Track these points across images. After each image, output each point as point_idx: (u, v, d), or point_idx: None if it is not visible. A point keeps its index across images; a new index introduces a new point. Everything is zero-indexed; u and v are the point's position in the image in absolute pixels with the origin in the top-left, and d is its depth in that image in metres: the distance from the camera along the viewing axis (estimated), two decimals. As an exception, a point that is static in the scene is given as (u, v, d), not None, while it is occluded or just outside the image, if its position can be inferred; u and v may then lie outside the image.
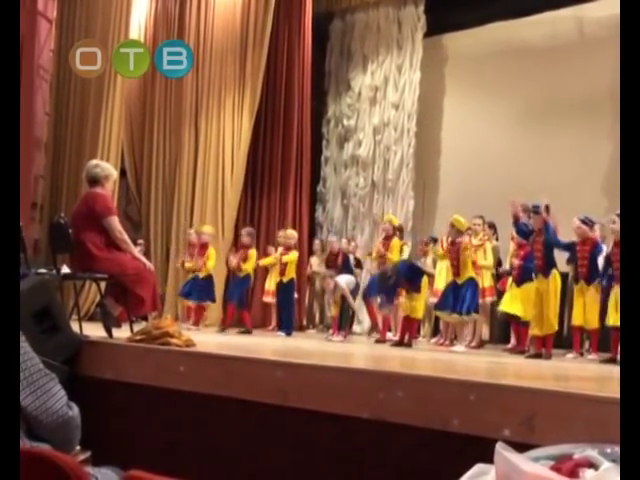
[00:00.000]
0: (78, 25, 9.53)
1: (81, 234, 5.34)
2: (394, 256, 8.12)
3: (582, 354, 7.30)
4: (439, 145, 11.58)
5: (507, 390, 3.22)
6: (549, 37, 10.37)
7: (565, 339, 7.71)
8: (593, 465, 1.93)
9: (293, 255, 8.97)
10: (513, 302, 7.55)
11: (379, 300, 8.93)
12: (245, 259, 9.26)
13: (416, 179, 11.37)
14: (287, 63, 11.26)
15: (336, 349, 6.68)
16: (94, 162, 5.88)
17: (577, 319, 7.14)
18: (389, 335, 8.63)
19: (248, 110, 10.52)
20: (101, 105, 9.29)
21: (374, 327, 9.46)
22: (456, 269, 7.24)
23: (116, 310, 5.55)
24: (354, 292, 8.82)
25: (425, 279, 8.06)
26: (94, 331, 5.47)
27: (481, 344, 8.14)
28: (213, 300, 9.56)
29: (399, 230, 8.66)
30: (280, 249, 9.30)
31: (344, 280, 8.42)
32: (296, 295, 9.54)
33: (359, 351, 7.16)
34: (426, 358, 6.15)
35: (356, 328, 10.74)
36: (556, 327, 6.84)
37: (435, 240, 9.33)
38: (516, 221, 7.09)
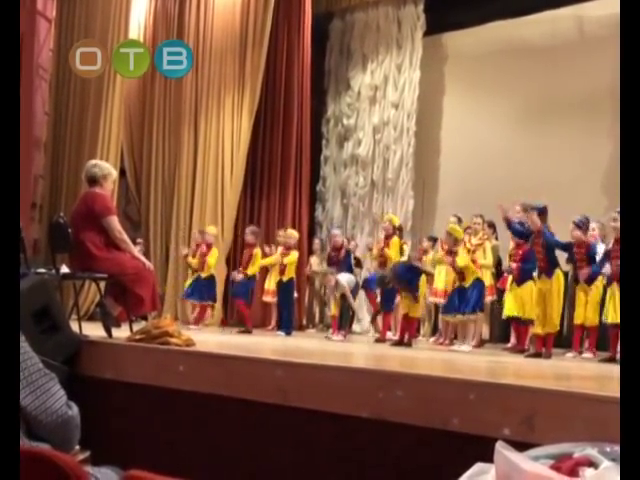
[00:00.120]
0: (77, 25, 9.52)
1: (80, 234, 5.34)
2: (394, 255, 8.13)
3: (581, 353, 7.31)
4: (439, 144, 11.58)
5: (507, 389, 3.22)
6: (549, 36, 10.37)
7: (564, 338, 7.71)
8: (593, 464, 1.94)
9: (293, 256, 8.97)
10: (515, 304, 7.53)
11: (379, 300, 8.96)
12: (249, 260, 9.26)
13: (416, 178, 11.37)
14: (287, 63, 11.25)
15: (336, 348, 6.68)
16: (93, 162, 5.88)
17: (579, 318, 7.14)
18: (389, 335, 8.63)
19: (248, 110, 10.51)
20: (101, 105, 9.28)
21: (375, 316, 9.43)
22: (460, 275, 7.25)
23: (115, 310, 5.55)
24: (354, 292, 8.81)
25: (424, 278, 8.06)
26: (94, 331, 5.47)
27: (481, 343, 8.14)
28: (214, 300, 9.57)
29: (399, 230, 8.66)
30: (280, 248, 9.31)
31: (345, 279, 8.41)
32: (296, 294, 9.54)
33: (359, 350, 7.16)
34: (426, 357, 6.15)
35: (356, 327, 10.74)
36: (558, 327, 6.85)
37: (435, 240, 9.34)
38: (508, 224, 7.13)
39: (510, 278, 7.84)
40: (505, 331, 8.72)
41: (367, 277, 9.08)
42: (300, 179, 11.26)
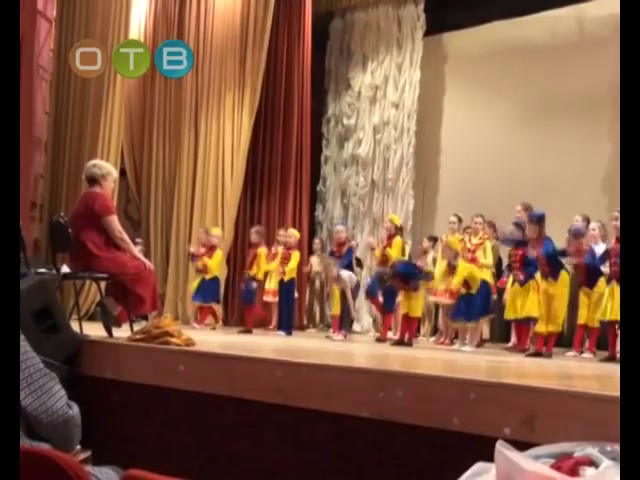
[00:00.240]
0: (78, 25, 9.51)
1: (81, 234, 5.35)
2: (396, 255, 8.13)
3: (582, 352, 7.31)
4: (439, 144, 11.58)
5: (507, 389, 3.23)
6: (549, 36, 10.37)
7: (564, 338, 7.71)
8: (593, 463, 1.94)
9: (294, 262, 9.00)
10: (516, 305, 7.49)
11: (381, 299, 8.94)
12: (254, 260, 9.25)
13: (416, 178, 11.37)
14: (287, 62, 11.25)
15: (336, 348, 6.68)
16: (92, 162, 5.89)
17: (582, 318, 7.16)
18: (389, 334, 8.63)
19: (248, 109, 10.51)
20: (101, 105, 9.28)
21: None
22: (465, 283, 7.25)
23: (116, 309, 5.55)
24: (354, 291, 8.81)
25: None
26: (94, 330, 5.47)
27: (481, 343, 8.14)
28: (217, 301, 9.60)
29: (399, 230, 8.65)
30: (280, 248, 9.32)
31: (346, 275, 8.39)
32: (296, 294, 9.54)
33: (359, 350, 7.16)
34: (426, 357, 6.15)
35: (356, 327, 10.75)
36: (561, 327, 6.85)
37: (435, 239, 9.34)
38: (503, 241, 7.40)
39: (510, 279, 7.81)
40: (505, 331, 8.71)
41: (369, 284, 9.00)
42: (300, 179, 11.25)
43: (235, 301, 10.59)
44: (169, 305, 10.10)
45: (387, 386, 3.48)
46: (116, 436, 4.39)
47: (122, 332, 5.38)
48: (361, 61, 12.04)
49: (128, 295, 5.41)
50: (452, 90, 11.56)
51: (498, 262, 8.55)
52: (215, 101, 10.53)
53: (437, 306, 9.01)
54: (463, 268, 7.21)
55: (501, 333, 9.00)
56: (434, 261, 8.99)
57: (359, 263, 9.95)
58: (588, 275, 7.04)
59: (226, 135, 10.51)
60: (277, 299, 9.25)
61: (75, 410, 2.46)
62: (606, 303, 6.72)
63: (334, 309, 8.88)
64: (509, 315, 7.64)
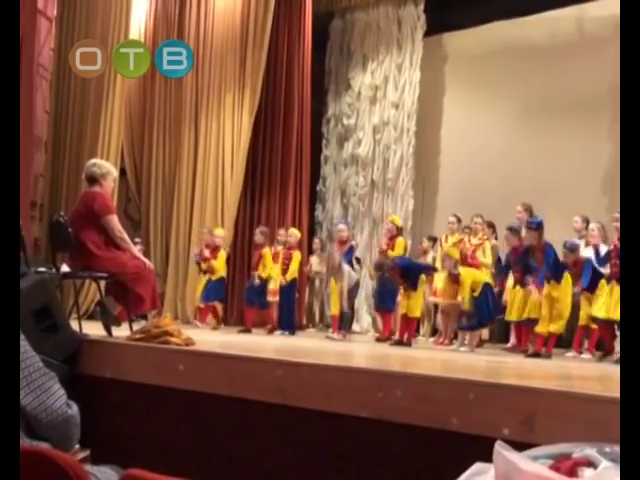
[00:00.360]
0: (78, 24, 9.52)
1: (80, 233, 5.35)
2: (398, 254, 8.14)
3: (581, 353, 7.32)
4: (439, 144, 11.57)
5: (506, 389, 3.23)
6: (549, 37, 10.37)
7: (563, 339, 7.71)
8: (592, 464, 1.94)
9: (295, 263, 9.01)
10: (517, 307, 7.49)
11: (377, 301, 8.93)
12: (259, 261, 9.27)
13: (416, 178, 11.36)
14: (287, 62, 11.24)
15: (336, 348, 6.68)
16: (92, 161, 5.90)
17: (582, 319, 7.16)
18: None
19: (248, 109, 10.51)
20: (101, 104, 9.28)
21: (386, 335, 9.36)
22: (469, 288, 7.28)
23: (116, 309, 5.55)
24: (354, 289, 8.82)
25: (423, 277, 8.05)
26: (94, 330, 5.47)
27: (480, 343, 8.14)
28: (220, 300, 9.64)
29: (400, 230, 8.66)
30: (280, 247, 9.34)
31: (347, 268, 8.40)
32: (297, 294, 9.56)
33: (359, 350, 7.16)
34: (426, 357, 6.15)
35: (355, 327, 10.74)
36: (563, 329, 6.85)
37: (435, 239, 9.34)
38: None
39: (511, 281, 7.78)
40: (505, 331, 8.71)
41: (381, 294, 8.95)
42: (300, 179, 11.25)
43: (235, 301, 10.59)
44: (169, 304, 10.11)
45: (386, 386, 3.48)
46: (115, 435, 4.39)
47: (122, 331, 5.38)
48: (361, 61, 12.03)
49: (128, 294, 5.42)
50: (452, 90, 11.56)
51: (497, 262, 8.54)
52: (215, 101, 10.54)
53: (436, 306, 9.01)
54: (467, 277, 7.21)
55: (500, 334, 9.00)
56: (434, 261, 8.99)
57: (358, 262, 9.95)
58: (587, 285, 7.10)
59: (226, 135, 10.52)
60: (277, 299, 9.26)
61: (74, 409, 2.46)
62: (603, 301, 6.71)
63: (333, 309, 8.88)
64: (510, 317, 7.63)
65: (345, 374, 3.73)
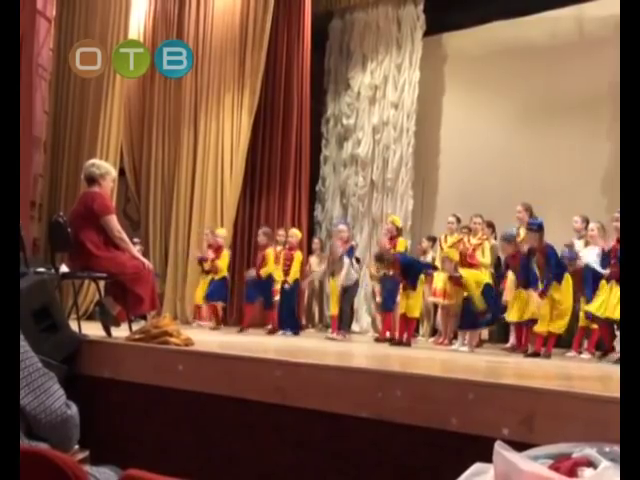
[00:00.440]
0: (77, 24, 9.51)
1: (80, 233, 5.35)
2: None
3: (580, 353, 7.33)
4: (438, 144, 11.58)
5: (506, 389, 3.23)
6: (549, 37, 10.37)
7: (563, 339, 7.72)
8: (592, 464, 1.93)
9: (297, 264, 9.03)
10: (518, 309, 7.48)
11: (378, 299, 8.93)
12: (262, 261, 9.28)
13: (415, 178, 11.37)
14: (286, 62, 11.25)
15: (335, 348, 6.69)
16: (91, 161, 5.89)
17: (582, 319, 7.16)
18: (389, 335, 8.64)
19: (247, 109, 10.51)
20: (100, 104, 9.28)
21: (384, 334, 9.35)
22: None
23: (115, 309, 5.55)
24: (353, 289, 8.83)
25: (422, 277, 8.06)
26: (93, 330, 5.47)
27: (480, 343, 8.14)
28: (224, 300, 9.66)
29: (400, 231, 8.67)
30: (279, 248, 9.34)
31: (348, 261, 8.41)
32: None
33: (358, 350, 7.16)
34: (425, 357, 6.15)
35: (355, 327, 10.74)
36: (563, 330, 6.85)
37: (434, 239, 9.34)
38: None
39: (512, 283, 7.77)
40: (504, 331, 8.71)
41: (384, 295, 8.89)
42: (300, 179, 11.26)
43: (235, 301, 10.59)
44: (168, 305, 10.11)
45: (386, 386, 3.48)
46: (115, 436, 4.39)
47: (121, 332, 5.38)
48: (360, 61, 12.03)
49: (127, 295, 5.41)
50: (452, 90, 11.56)
51: (497, 262, 8.54)
52: (214, 101, 10.54)
53: (436, 306, 9.01)
54: (470, 278, 7.23)
55: (500, 334, 9.00)
56: (433, 261, 8.99)
57: (359, 263, 9.94)
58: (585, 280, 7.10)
59: (225, 135, 10.52)
60: (277, 298, 9.27)
61: (74, 410, 2.46)
62: (602, 300, 6.71)
63: (332, 309, 8.89)
64: (511, 317, 7.63)
65: (345, 374, 3.73)
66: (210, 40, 10.63)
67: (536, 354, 6.75)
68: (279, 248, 9.39)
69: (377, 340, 8.37)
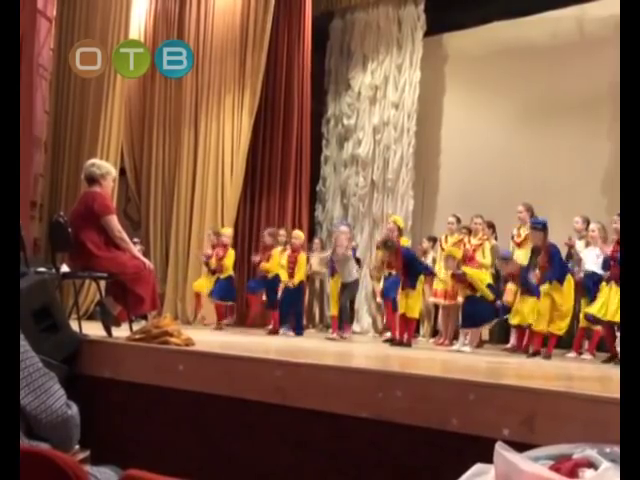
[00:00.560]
0: (78, 24, 9.51)
1: (80, 233, 5.35)
2: None
3: (581, 354, 7.33)
4: (439, 144, 11.57)
5: (507, 390, 3.23)
6: (549, 37, 10.37)
7: (564, 339, 7.72)
8: (592, 465, 1.93)
9: (303, 266, 9.06)
10: (523, 313, 7.47)
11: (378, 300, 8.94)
12: (268, 262, 9.29)
13: (416, 178, 11.36)
14: (287, 62, 11.24)
15: (335, 348, 6.69)
16: (91, 161, 5.89)
17: (583, 320, 7.16)
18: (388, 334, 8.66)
19: (248, 109, 10.51)
20: (101, 104, 9.28)
21: (387, 327, 9.39)
22: (472, 288, 7.27)
23: (115, 309, 5.55)
24: (354, 287, 8.84)
25: (422, 278, 8.04)
26: (93, 330, 5.47)
27: (481, 344, 8.15)
28: (234, 300, 9.68)
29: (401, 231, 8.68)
30: (280, 248, 9.36)
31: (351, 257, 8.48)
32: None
33: (359, 350, 7.17)
34: (426, 357, 6.15)
35: (355, 327, 10.74)
36: (563, 331, 6.85)
37: (435, 240, 9.34)
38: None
39: (516, 289, 7.78)
40: (505, 332, 8.71)
41: (385, 285, 8.95)
42: (300, 179, 11.25)
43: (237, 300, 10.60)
44: (168, 305, 10.11)
45: (386, 386, 3.48)
46: (115, 436, 4.39)
47: (121, 332, 5.38)
48: (361, 61, 12.03)
49: (127, 295, 5.41)
50: (452, 90, 11.56)
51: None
52: (215, 101, 10.54)
53: (437, 307, 9.01)
54: (474, 274, 7.25)
55: (500, 334, 9.01)
56: (434, 261, 9.00)
57: (359, 263, 9.95)
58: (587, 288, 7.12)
59: (226, 135, 10.52)
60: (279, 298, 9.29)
61: (74, 410, 2.46)
62: (602, 302, 6.71)
63: (333, 309, 8.90)
64: (515, 321, 7.65)
65: (345, 374, 3.73)
66: (210, 40, 10.63)
67: (536, 353, 6.76)
68: (280, 248, 9.40)
69: (387, 341, 8.33)
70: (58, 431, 2.39)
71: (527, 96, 10.45)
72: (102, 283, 5.83)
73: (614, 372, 4.71)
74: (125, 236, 5.53)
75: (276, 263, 9.20)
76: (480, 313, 7.21)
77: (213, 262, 9.46)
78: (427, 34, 11.42)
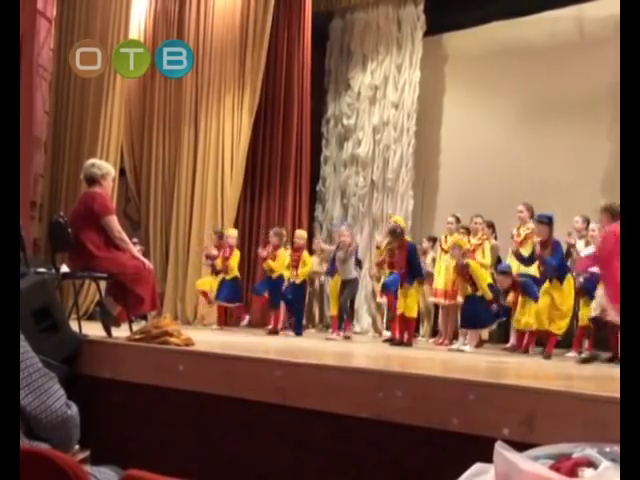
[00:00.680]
0: (78, 24, 9.52)
1: (80, 233, 5.35)
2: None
3: (580, 353, 7.32)
4: (439, 144, 11.58)
5: (506, 389, 3.23)
6: (549, 37, 10.37)
7: (564, 338, 7.72)
8: (592, 464, 1.93)
9: (308, 265, 9.11)
10: (528, 316, 7.48)
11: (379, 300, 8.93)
12: (275, 260, 9.29)
13: (416, 178, 11.37)
14: (287, 62, 11.25)
15: (336, 348, 6.69)
16: (91, 161, 5.87)
17: (583, 319, 7.17)
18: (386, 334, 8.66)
19: (248, 109, 10.52)
20: (101, 104, 9.28)
21: (390, 324, 9.41)
22: (473, 285, 7.27)
23: (115, 309, 5.55)
24: (354, 287, 8.84)
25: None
26: (93, 330, 5.47)
27: (480, 343, 8.14)
28: (240, 301, 9.68)
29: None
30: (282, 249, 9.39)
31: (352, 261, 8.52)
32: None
33: (359, 350, 7.17)
34: (425, 357, 6.15)
35: (356, 327, 10.74)
36: (562, 331, 6.84)
37: (435, 240, 9.34)
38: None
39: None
40: (505, 331, 8.72)
41: (386, 280, 8.97)
42: (300, 179, 11.26)
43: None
44: (168, 305, 10.11)
45: (386, 386, 3.48)
46: (115, 436, 4.38)
47: (121, 332, 5.38)
48: (361, 61, 12.03)
49: (127, 295, 5.41)
50: (452, 90, 11.56)
51: (497, 262, 8.54)
52: (215, 101, 10.54)
53: (437, 307, 9.01)
54: (476, 268, 7.26)
55: (500, 334, 9.01)
56: (433, 261, 9.00)
57: (358, 263, 9.95)
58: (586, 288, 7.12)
59: (226, 135, 10.52)
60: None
61: (74, 410, 2.46)
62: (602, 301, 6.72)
63: (332, 309, 8.90)
64: (519, 326, 7.65)
65: (345, 374, 3.73)
66: (210, 40, 10.63)
67: (526, 351, 6.81)
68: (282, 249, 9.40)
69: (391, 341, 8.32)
70: (58, 431, 2.39)
71: (526, 96, 10.45)
72: (102, 283, 5.82)
73: (614, 372, 4.70)
74: (125, 236, 5.53)
75: (281, 263, 9.21)
76: (480, 316, 7.21)
77: (219, 263, 9.45)
78: (427, 34, 11.43)
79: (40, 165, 9.82)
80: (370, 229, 11.68)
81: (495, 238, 8.74)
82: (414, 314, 7.83)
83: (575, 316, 7.23)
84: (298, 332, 8.87)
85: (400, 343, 7.57)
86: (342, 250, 8.56)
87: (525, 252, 7.57)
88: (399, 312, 7.75)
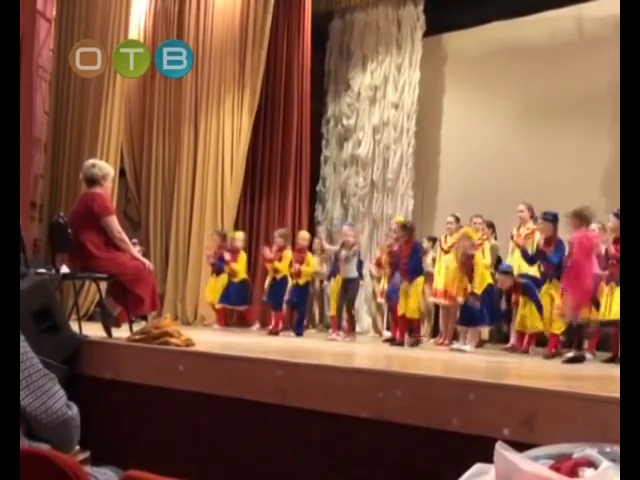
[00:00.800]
0: (77, 24, 9.51)
1: (80, 234, 5.35)
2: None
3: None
4: (439, 144, 11.58)
5: (507, 389, 3.23)
6: (549, 37, 10.37)
7: (564, 339, 7.72)
8: (593, 464, 1.93)
9: (312, 266, 9.12)
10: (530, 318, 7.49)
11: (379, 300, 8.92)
12: (280, 260, 9.29)
13: (416, 178, 11.36)
14: (286, 63, 11.24)
15: (335, 348, 6.69)
16: (91, 162, 5.87)
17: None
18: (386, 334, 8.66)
19: (247, 110, 10.51)
20: (100, 104, 9.28)
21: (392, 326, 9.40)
22: (471, 281, 7.28)
23: (115, 310, 5.55)
24: (354, 289, 8.83)
25: (422, 279, 8.03)
26: (93, 331, 5.47)
27: (480, 343, 8.14)
28: (248, 303, 9.70)
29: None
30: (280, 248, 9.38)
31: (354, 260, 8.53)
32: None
33: (359, 350, 7.16)
34: (426, 357, 6.15)
35: (356, 327, 10.73)
36: (562, 330, 6.84)
37: (435, 240, 9.33)
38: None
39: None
40: (505, 331, 8.71)
41: (387, 292, 8.77)
42: (300, 179, 11.25)
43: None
44: (168, 305, 10.10)
45: (386, 386, 3.48)
46: (115, 436, 4.39)
47: (121, 332, 5.38)
48: (361, 61, 12.03)
49: (127, 295, 5.42)
50: (452, 90, 11.56)
51: (497, 262, 8.54)
52: (215, 101, 10.53)
53: (437, 307, 9.00)
54: (479, 262, 7.27)
55: (500, 334, 9.01)
56: (433, 261, 8.99)
57: (360, 265, 9.94)
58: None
59: (226, 135, 10.52)
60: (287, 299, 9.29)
61: (74, 410, 2.46)
62: (604, 304, 6.71)
63: (333, 310, 8.89)
64: (518, 327, 7.65)
65: (345, 374, 3.73)
66: (210, 40, 10.62)
67: (525, 351, 6.81)
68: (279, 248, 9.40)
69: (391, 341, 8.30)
70: (58, 432, 2.39)
71: (526, 96, 10.45)
72: (102, 284, 5.82)
73: (614, 372, 4.70)
74: (125, 237, 5.53)
75: (286, 265, 9.21)
76: (478, 314, 7.20)
77: (230, 267, 9.43)
78: (426, 34, 11.42)
79: (40, 165, 9.81)
80: (370, 229, 11.67)
81: (495, 238, 8.73)
82: (416, 315, 7.83)
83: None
84: (299, 332, 8.87)
85: (401, 343, 7.57)
86: (346, 249, 8.56)
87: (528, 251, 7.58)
88: (400, 313, 7.74)
